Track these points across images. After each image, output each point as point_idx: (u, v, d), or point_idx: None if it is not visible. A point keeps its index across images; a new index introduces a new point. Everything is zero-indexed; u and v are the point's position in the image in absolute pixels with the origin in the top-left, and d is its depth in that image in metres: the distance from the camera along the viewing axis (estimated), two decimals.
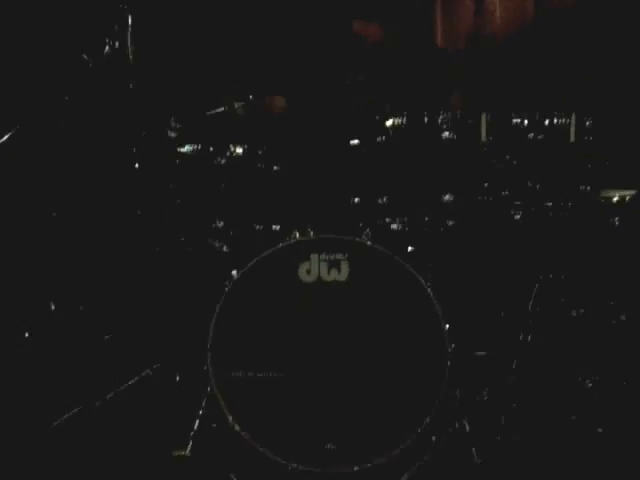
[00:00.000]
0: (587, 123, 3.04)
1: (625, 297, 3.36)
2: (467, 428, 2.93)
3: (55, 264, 3.31)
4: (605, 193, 3.24)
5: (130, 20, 3.16)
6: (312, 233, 3.00)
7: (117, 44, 3.17)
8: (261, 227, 3.18)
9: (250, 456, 2.86)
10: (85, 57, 3.23)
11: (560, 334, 3.28)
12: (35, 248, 3.32)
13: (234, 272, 2.98)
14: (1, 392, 3.05)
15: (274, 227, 3.17)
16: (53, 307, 3.24)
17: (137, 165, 3.24)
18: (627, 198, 3.25)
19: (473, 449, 2.87)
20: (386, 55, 3.44)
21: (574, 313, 3.40)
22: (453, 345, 2.91)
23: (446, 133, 3.04)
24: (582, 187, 3.13)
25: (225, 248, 3.18)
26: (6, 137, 3.19)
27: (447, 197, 3.07)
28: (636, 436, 2.97)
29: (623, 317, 3.41)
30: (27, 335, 3.20)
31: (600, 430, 2.99)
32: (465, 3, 3.81)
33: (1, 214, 3.27)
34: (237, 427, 2.86)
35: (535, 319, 3.22)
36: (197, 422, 2.93)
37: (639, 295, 3.47)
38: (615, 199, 3.24)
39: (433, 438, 2.89)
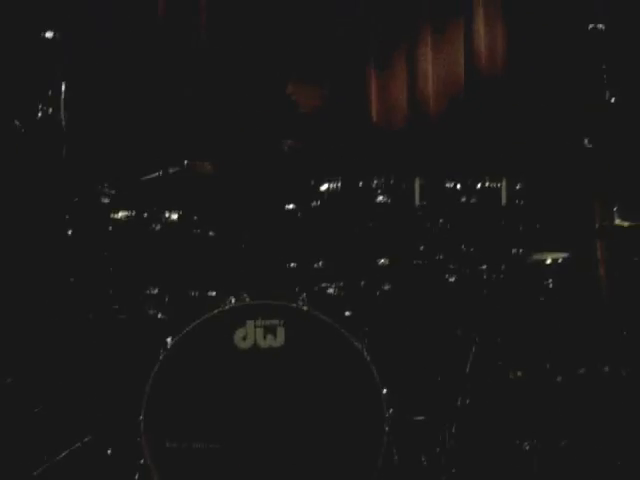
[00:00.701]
0: (518, 187, 3.11)
1: (561, 358, 3.40)
2: None
3: None
4: (538, 256, 3.30)
5: (64, 87, 3.14)
6: (248, 299, 2.97)
7: (50, 110, 3.15)
8: (197, 293, 3.14)
9: None
10: (17, 123, 3.21)
11: (497, 397, 3.29)
12: None
13: (169, 339, 2.93)
14: None
15: (210, 293, 3.14)
16: None
17: (70, 232, 3.19)
18: (559, 260, 3.31)
19: None
20: (320, 122, 3.49)
21: (511, 376, 3.42)
22: (391, 410, 2.89)
23: (380, 197, 3.07)
24: (515, 250, 3.18)
25: (160, 315, 3.14)
26: None
27: (382, 261, 3.09)
28: None
29: (559, 379, 3.45)
30: None
31: None
32: (399, 76, 3.89)
33: None
34: None
35: (472, 382, 3.22)
36: None
37: (574, 356, 3.52)
38: (548, 262, 3.30)
39: None
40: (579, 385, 3.50)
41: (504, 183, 3.10)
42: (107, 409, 3.06)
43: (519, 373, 3.40)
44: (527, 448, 3.09)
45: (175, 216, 3.19)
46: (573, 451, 3.14)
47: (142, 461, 2.82)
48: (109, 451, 2.97)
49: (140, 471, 2.84)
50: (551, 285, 3.28)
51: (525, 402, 3.29)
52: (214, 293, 3.12)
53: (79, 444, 2.98)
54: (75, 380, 3.10)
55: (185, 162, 3.13)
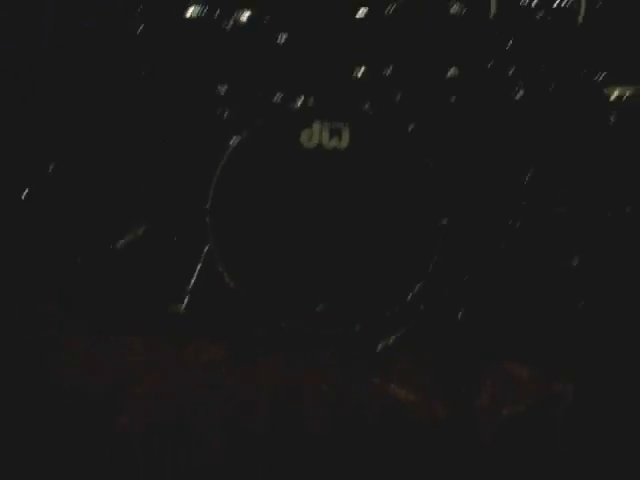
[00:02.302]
0: (597, 5, 3.04)
1: (614, 195, 3.41)
2: (453, 297, 3.02)
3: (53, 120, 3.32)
4: (606, 91, 3.25)
5: None
6: (314, 101, 3.02)
7: None
8: (265, 94, 3.18)
9: (244, 314, 2.95)
10: None
11: (550, 222, 3.35)
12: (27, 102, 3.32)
13: (234, 137, 3.01)
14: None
15: (277, 95, 3.17)
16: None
17: (142, 27, 3.22)
18: (626, 95, 3.26)
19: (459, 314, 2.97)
20: None
21: (565, 205, 3.46)
22: (446, 219, 2.97)
23: (455, 7, 3.03)
24: (587, 72, 3.14)
25: (228, 113, 3.19)
26: None
27: (452, 72, 3.09)
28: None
29: (609, 214, 3.48)
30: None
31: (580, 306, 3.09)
32: None
33: None
34: (233, 285, 2.95)
35: (525, 207, 3.27)
36: (193, 280, 3.01)
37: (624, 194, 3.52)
38: (614, 95, 3.25)
39: (421, 307, 2.99)
40: (628, 222, 3.53)
41: (584, 1, 3.03)
42: (175, 199, 3.17)
43: (569, 206, 3.44)
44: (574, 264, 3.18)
45: (246, 16, 3.19)
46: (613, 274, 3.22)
47: (206, 248, 2.98)
48: (175, 237, 3.12)
49: (204, 257, 3.00)
50: (613, 121, 3.25)
51: (573, 232, 3.34)
52: (282, 94, 3.15)
53: (146, 228, 3.13)
54: (146, 168, 3.21)
55: None
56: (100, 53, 3.30)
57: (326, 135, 2.95)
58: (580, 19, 3.04)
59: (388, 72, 3.09)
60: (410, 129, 3.04)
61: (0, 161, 3.24)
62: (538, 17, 3.05)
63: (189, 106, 3.23)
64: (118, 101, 3.32)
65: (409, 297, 2.92)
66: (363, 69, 3.09)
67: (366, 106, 2.98)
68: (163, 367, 2.98)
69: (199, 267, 2.99)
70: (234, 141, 3.00)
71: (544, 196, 3.38)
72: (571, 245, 3.28)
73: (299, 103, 3.03)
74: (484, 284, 3.11)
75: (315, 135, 2.96)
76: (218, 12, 3.17)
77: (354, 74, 3.10)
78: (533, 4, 3.02)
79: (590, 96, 3.15)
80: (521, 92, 3.09)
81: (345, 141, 2.94)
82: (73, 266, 3.13)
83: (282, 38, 3.16)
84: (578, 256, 3.22)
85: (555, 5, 3.04)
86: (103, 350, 3.00)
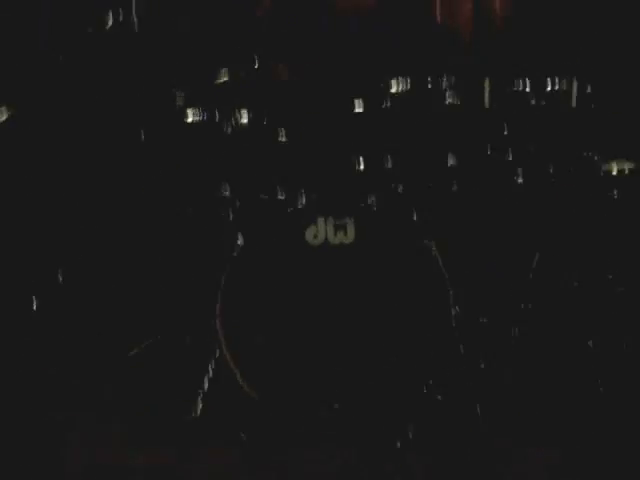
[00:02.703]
0: (589, 89, 3.10)
1: (624, 270, 3.41)
2: (470, 387, 2.98)
3: (60, 233, 3.35)
4: (605, 165, 3.29)
5: None
6: (318, 198, 3.04)
7: (121, 16, 3.21)
8: (268, 194, 3.21)
9: (258, 415, 2.90)
10: (89, 29, 3.27)
11: (559, 303, 3.33)
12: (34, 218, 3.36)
13: (240, 239, 3.02)
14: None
15: (280, 194, 3.20)
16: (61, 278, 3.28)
17: (144, 135, 3.27)
18: (626, 171, 3.30)
19: (477, 407, 2.92)
20: (380, 20, 3.42)
21: (573, 284, 3.46)
22: (457, 308, 2.96)
23: (450, 98, 3.09)
24: (584, 153, 3.18)
25: (232, 216, 3.22)
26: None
27: (452, 161, 3.12)
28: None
29: (621, 289, 3.47)
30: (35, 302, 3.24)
31: (601, 389, 3.05)
32: None
33: None
34: (246, 387, 2.91)
35: (535, 288, 3.27)
36: (206, 383, 2.97)
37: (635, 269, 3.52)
38: (614, 172, 3.29)
39: (439, 398, 2.94)
40: None
41: (575, 85, 3.09)
42: (185, 304, 3.17)
43: (580, 283, 3.44)
44: (590, 346, 3.15)
45: (246, 119, 3.25)
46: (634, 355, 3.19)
47: (218, 351, 2.96)
48: (187, 341, 3.10)
49: (216, 360, 2.97)
50: (616, 196, 3.28)
51: (586, 309, 3.33)
52: (285, 194, 3.18)
53: (159, 336, 3.12)
54: (155, 275, 3.22)
55: (256, 64, 3.17)
56: (106, 167, 3.36)
57: (331, 231, 2.97)
58: (573, 102, 3.10)
59: (389, 164, 3.13)
60: (415, 219, 3.06)
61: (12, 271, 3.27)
62: (532, 103, 3.11)
63: (195, 209, 3.27)
64: (128, 207, 3.36)
65: (425, 390, 2.88)
66: (363, 163, 3.13)
67: (370, 200, 3.00)
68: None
69: (211, 371, 2.96)
70: (240, 242, 3.01)
71: (552, 277, 3.38)
72: (585, 324, 3.26)
73: (303, 201, 3.06)
74: (500, 371, 3.08)
75: (320, 232, 2.97)
76: (218, 117, 3.24)
77: (355, 168, 3.14)
78: (527, 89, 3.08)
79: (589, 174, 3.18)
80: (520, 177, 3.12)
81: (351, 236, 2.96)
82: (88, 375, 3.12)
83: (282, 136, 3.22)
84: (593, 335, 3.20)
85: (548, 90, 3.10)
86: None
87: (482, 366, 3.15)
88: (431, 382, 2.90)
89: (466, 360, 3.03)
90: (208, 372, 2.96)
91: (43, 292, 3.26)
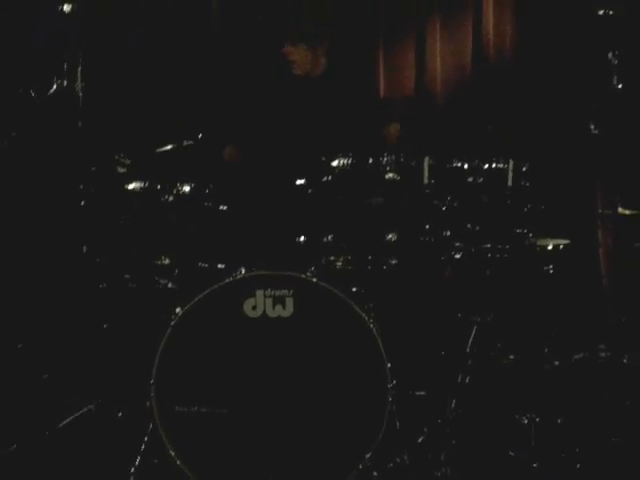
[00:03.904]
0: (524, 169, 3.18)
1: (559, 343, 3.48)
2: (407, 462, 2.98)
3: None
4: (541, 241, 3.36)
5: (80, 59, 3.21)
6: (257, 270, 3.04)
7: (65, 82, 3.22)
8: (207, 264, 3.21)
9: None
10: (33, 94, 3.27)
11: (496, 376, 3.37)
12: None
13: (178, 308, 3.00)
14: None
15: (220, 265, 3.21)
16: None
17: (83, 202, 3.26)
18: (561, 247, 3.38)
19: None
20: (322, 89, 3.48)
21: (510, 356, 3.50)
22: (394, 382, 2.96)
23: (390, 174, 3.15)
24: (519, 230, 3.25)
25: (171, 285, 3.20)
26: None
27: (390, 236, 3.16)
28: (570, 469, 3.06)
29: (556, 363, 3.53)
30: None
31: (535, 465, 3.07)
32: (406, 56, 3.97)
33: None
34: (179, 462, 2.86)
35: (473, 361, 3.30)
36: (139, 458, 2.92)
37: (573, 341, 3.59)
38: (549, 247, 3.37)
39: (374, 473, 2.93)
40: (576, 369, 3.59)
41: (511, 165, 3.18)
42: (118, 374, 3.13)
43: (516, 356, 3.49)
44: (525, 422, 3.18)
45: (187, 188, 3.26)
46: (569, 428, 3.23)
47: (151, 425, 2.91)
48: (119, 414, 3.05)
49: (149, 434, 2.93)
50: (552, 271, 3.36)
51: (523, 382, 3.37)
52: (224, 265, 3.19)
53: (91, 406, 3.06)
54: (87, 346, 3.18)
55: (199, 136, 3.20)
56: (45, 230, 3.35)
57: (270, 303, 2.97)
58: (509, 181, 3.18)
59: (328, 239, 3.16)
60: (354, 293, 3.08)
61: None
62: (470, 180, 3.18)
63: (132, 278, 3.25)
64: (60, 273, 3.33)
65: (360, 466, 2.87)
66: (303, 237, 3.16)
67: (308, 273, 3.01)
68: None
69: (144, 445, 2.91)
70: (178, 313, 2.99)
71: (489, 350, 3.43)
72: (521, 398, 3.30)
73: (241, 273, 3.05)
74: (436, 447, 3.08)
75: (259, 304, 2.97)
76: (159, 186, 3.24)
77: (296, 242, 3.16)
78: (463, 169, 3.15)
79: (522, 249, 3.26)
80: (459, 253, 3.18)
81: (289, 309, 2.96)
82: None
83: (223, 209, 3.23)
84: (529, 408, 3.23)
85: (485, 168, 3.18)
86: None
87: (419, 440, 3.16)
88: (367, 456, 2.89)
89: (402, 434, 3.03)
90: (141, 447, 2.91)
91: None
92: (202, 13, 3.85)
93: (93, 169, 3.23)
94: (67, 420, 3.05)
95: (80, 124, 3.25)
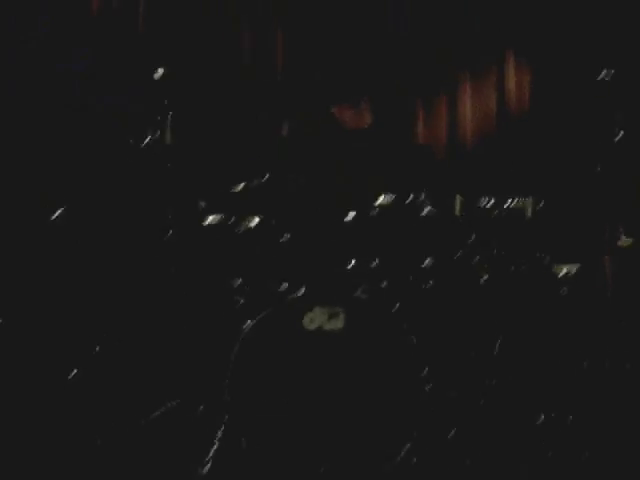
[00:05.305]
0: (541, 205, 3.73)
1: (572, 355, 3.94)
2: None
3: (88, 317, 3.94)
4: (555, 267, 3.89)
5: (170, 113, 3.86)
6: (315, 289, 3.63)
7: (159, 132, 3.86)
8: (273, 284, 3.80)
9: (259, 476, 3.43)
10: (131, 142, 3.93)
11: (518, 381, 3.84)
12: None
13: (249, 321, 3.59)
14: None
15: (284, 284, 3.79)
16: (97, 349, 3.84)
17: (170, 231, 3.89)
18: (573, 271, 3.88)
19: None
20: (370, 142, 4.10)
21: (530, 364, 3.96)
22: (430, 385, 3.49)
23: (426, 209, 3.73)
24: (538, 255, 3.78)
25: (242, 301, 3.80)
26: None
27: (427, 261, 3.73)
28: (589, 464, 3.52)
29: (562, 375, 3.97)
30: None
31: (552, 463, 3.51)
32: (441, 111, 4.62)
33: None
34: (249, 451, 3.43)
35: (498, 368, 3.79)
36: (215, 447, 3.49)
37: (583, 353, 4.04)
38: (563, 272, 3.87)
39: (414, 459, 3.46)
40: (585, 376, 4.02)
41: (530, 201, 3.73)
42: (201, 377, 3.72)
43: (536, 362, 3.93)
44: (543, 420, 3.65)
45: (255, 221, 3.85)
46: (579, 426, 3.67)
47: (226, 418, 3.48)
48: (200, 409, 3.63)
49: (224, 426, 3.49)
50: (565, 293, 3.86)
51: (540, 387, 3.82)
52: (288, 284, 3.78)
53: (175, 403, 3.66)
54: (176, 354, 3.77)
55: (267, 175, 3.82)
56: (139, 256, 3.98)
57: (325, 317, 3.54)
58: (528, 214, 3.73)
59: (375, 263, 3.74)
60: (395, 311, 3.63)
61: None
62: (495, 214, 3.74)
63: (211, 296, 3.84)
64: (148, 292, 3.93)
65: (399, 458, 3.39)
66: (354, 262, 3.74)
67: (358, 292, 3.59)
68: None
69: (219, 436, 3.48)
70: (249, 324, 3.57)
71: (511, 358, 3.91)
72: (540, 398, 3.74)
73: (302, 291, 3.65)
74: (470, 444, 3.58)
75: (316, 318, 3.54)
76: (232, 219, 3.84)
77: (347, 266, 3.74)
78: (489, 205, 3.71)
79: (541, 274, 3.78)
80: (485, 277, 3.72)
81: (341, 323, 3.52)
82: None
83: (286, 238, 3.82)
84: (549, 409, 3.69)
85: (507, 205, 3.74)
86: None
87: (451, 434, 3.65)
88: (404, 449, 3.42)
89: (437, 430, 3.55)
90: (216, 437, 3.46)
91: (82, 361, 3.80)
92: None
93: (178, 205, 3.86)
94: (157, 412, 3.64)
95: (169, 167, 3.88)
